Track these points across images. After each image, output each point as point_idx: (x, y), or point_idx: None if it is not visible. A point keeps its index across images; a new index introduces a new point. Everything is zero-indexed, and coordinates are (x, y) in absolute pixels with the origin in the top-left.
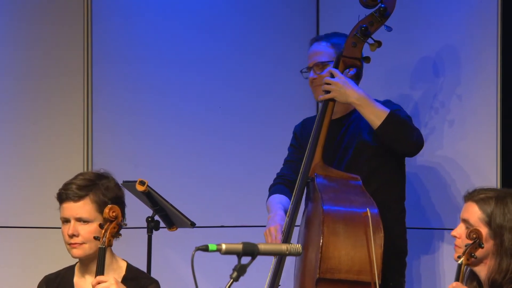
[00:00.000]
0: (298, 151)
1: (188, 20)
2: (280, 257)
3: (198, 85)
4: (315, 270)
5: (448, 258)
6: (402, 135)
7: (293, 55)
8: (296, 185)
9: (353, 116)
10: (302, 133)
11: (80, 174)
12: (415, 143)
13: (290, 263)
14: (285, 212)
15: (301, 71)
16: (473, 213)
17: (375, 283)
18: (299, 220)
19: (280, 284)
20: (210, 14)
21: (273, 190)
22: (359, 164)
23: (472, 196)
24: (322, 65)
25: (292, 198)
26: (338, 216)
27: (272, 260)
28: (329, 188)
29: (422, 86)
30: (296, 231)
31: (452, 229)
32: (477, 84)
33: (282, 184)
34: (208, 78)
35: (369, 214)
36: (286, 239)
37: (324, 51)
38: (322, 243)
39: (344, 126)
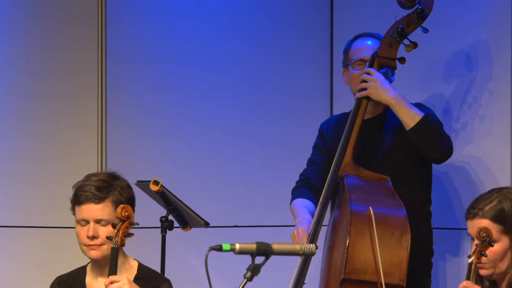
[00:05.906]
0: (322, 153)
1: (207, 19)
2: (306, 256)
3: (215, 85)
4: (340, 270)
5: None
6: (432, 140)
7: (311, 55)
8: (326, 184)
9: (385, 117)
10: (328, 133)
11: (92, 175)
12: (444, 150)
13: (316, 262)
14: (312, 215)
15: (352, 64)
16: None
17: (381, 283)
18: (326, 220)
19: (305, 282)
20: (229, 14)
21: (296, 193)
22: (389, 166)
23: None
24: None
25: (321, 197)
26: (365, 217)
27: (297, 259)
28: (358, 188)
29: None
30: (323, 231)
31: None
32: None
33: (306, 187)
34: (226, 78)
35: (372, 213)
36: (313, 238)
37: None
38: (348, 243)
39: (376, 126)
